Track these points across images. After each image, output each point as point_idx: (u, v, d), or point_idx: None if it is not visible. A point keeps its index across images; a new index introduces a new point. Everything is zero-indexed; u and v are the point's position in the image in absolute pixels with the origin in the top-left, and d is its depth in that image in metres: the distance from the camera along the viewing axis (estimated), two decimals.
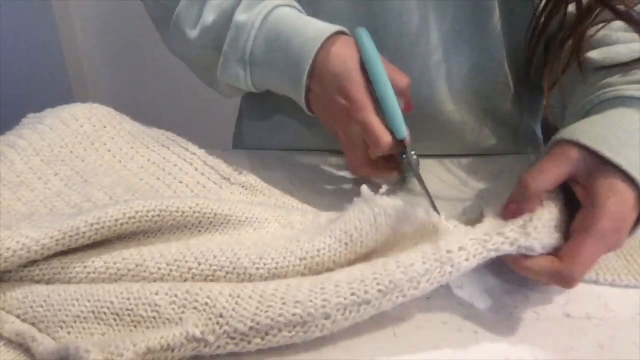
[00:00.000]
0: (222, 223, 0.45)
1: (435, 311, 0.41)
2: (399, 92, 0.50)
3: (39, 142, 0.52)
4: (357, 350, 0.38)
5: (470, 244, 0.39)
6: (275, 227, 0.46)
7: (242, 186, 0.53)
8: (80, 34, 1.60)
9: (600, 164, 0.40)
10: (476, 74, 0.59)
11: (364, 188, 0.42)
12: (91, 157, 0.53)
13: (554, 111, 0.56)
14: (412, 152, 0.51)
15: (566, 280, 0.38)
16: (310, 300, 0.36)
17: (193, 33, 0.54)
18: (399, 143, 0.49)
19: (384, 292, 0.37)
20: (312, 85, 0.50)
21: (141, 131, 0.57)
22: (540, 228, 0.40)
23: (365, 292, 0.37)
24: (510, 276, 0.45)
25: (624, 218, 0.39)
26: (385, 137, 0.48)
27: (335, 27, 0.50)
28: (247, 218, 0.45)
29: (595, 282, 0.44)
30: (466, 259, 0.38)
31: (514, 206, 0.41)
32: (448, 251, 0.38)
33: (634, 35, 0.49)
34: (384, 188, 0.43)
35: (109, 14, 1.56)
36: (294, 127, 0.66)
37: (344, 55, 0.49)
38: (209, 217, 0.44)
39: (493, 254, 0.39)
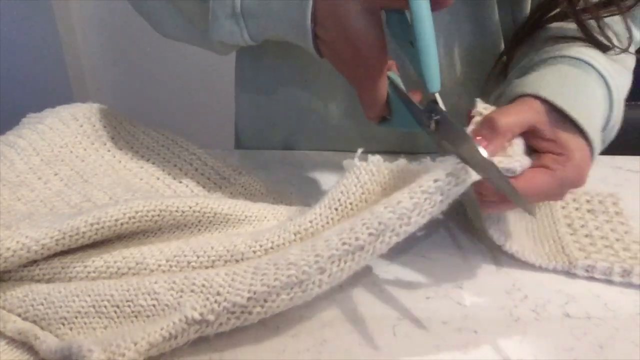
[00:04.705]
0: (221, 222, 0.45)
1: (435, 311, 0.41)
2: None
3: (39, 142, 0.52)
4: (357, 350, 0.38)
5: (457, 168, 0.38)
6: (274, 224, 0.46)
7: (242, 186, 0.53)
8: (80, 34, 1.59)
9: (560, 118, 0.42)
10: (475, 67, 0.60)
11: (345, 161, 0.43)
12: (91, 157, 0.53)
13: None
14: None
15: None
16: (303, 259, 0.36)
17: None
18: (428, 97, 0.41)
19: (375, 235, 0.37)
20: (318, 31, 0.43)
21: (141, 131, 0.57)
22: (518, 151, 0.41)
23: (357, 239, 0.37)
24: (511, 276, 0.45)
25: (585, 170, 0.42)
26: (381, 107, 0.44)
27: None
28: (246, 217, 0.46)
29: (502, 246, 0.45)
30: (455, 185, 0.38)
31: (482, 142, 0.41)
32: (436, 180, 0.38)
33: None
34: (359, 152, 0.43)
35: (109, 14, 1.56)
36: (289, 125, 0.66)
37: None
38: (208, 217, 0.44)
39: (478, 177, 0.39)
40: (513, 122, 0.41)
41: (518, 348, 0.38)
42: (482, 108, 0.43)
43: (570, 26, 0.51)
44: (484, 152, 0.38)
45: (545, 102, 0.42)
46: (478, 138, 0.41)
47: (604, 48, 0.48)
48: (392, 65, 0.46)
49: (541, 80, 0.44)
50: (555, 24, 0.53)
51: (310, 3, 0.42)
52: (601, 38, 0.48)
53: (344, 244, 0.37)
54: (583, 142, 0.42)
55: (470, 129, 0.42)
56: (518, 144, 0.42)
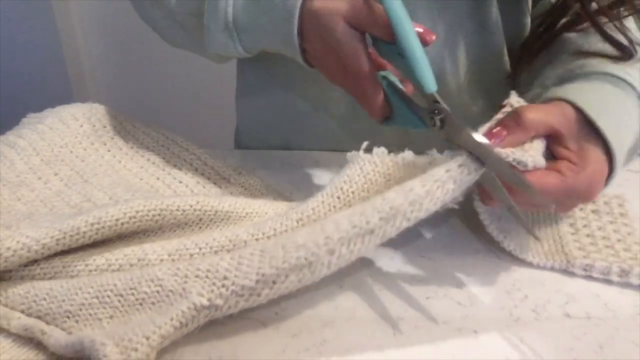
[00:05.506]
0: (222, 219, 0.45)
1: (435, 311, 0.41)
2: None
3: (39, 142, 0.52)
4: (357, 350, 0.38)
5: (470, 160, 0.38)
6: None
7: (242, 186, 0.53)
8: (80, 34, 1.59)
9: (588, 131, 0.42)
10: (478, 69, 0.60)
11: (349, 154, 0.44)
12: (91, 157, 0.53)
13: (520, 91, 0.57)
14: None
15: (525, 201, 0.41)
16: (312, 241, 0.36)
17: (172, 1, 0.51)
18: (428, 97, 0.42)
19: (386, 219, 0.37)
20: (305, 45, 0.46)
21: (141, 131, 0.57)
22: (535, 147, 0.41)
23: (367, 222, 0.37)
24: (511, 276, 0.45)
25: (596, 186, 0.42)
26: (378, 108, 0.45)
27: None
28: (247, 214, 0.46)
29: (500, 242, 0.45)
30: (468, 174, 0.38)
31: (503, 131, 0.41)
32: (448, 170, 0.38)
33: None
34: (365, 144, 0.43)
35: (109, 14, 1.56)
36: (289, 129, 0.66)
37: (330, 7, 0.43)
38: (209, 215, 0.44)
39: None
40: (539, 120, 0.41)
41: (518, 348, 0.38)
42: (515, 101, 0.44)
43: (590, 39, 0.50)
44: (486, 142, 0.38)
45: (578, 110, 0.42)
46: (497, 129, 0.41)
47: (626, 51, 0.47)
48: (386, 64, 0.47)
49: (579, 90, 0.44)
50: (570, 35, 0.52)
51: (296, 20, 0.44)
52: (619, 38, 0.47)
53: (354, 226, 0.37)
54: (603, 157, 0.42)
55: (497, 117, 0.43)
56: (538, 144, 0.42)
